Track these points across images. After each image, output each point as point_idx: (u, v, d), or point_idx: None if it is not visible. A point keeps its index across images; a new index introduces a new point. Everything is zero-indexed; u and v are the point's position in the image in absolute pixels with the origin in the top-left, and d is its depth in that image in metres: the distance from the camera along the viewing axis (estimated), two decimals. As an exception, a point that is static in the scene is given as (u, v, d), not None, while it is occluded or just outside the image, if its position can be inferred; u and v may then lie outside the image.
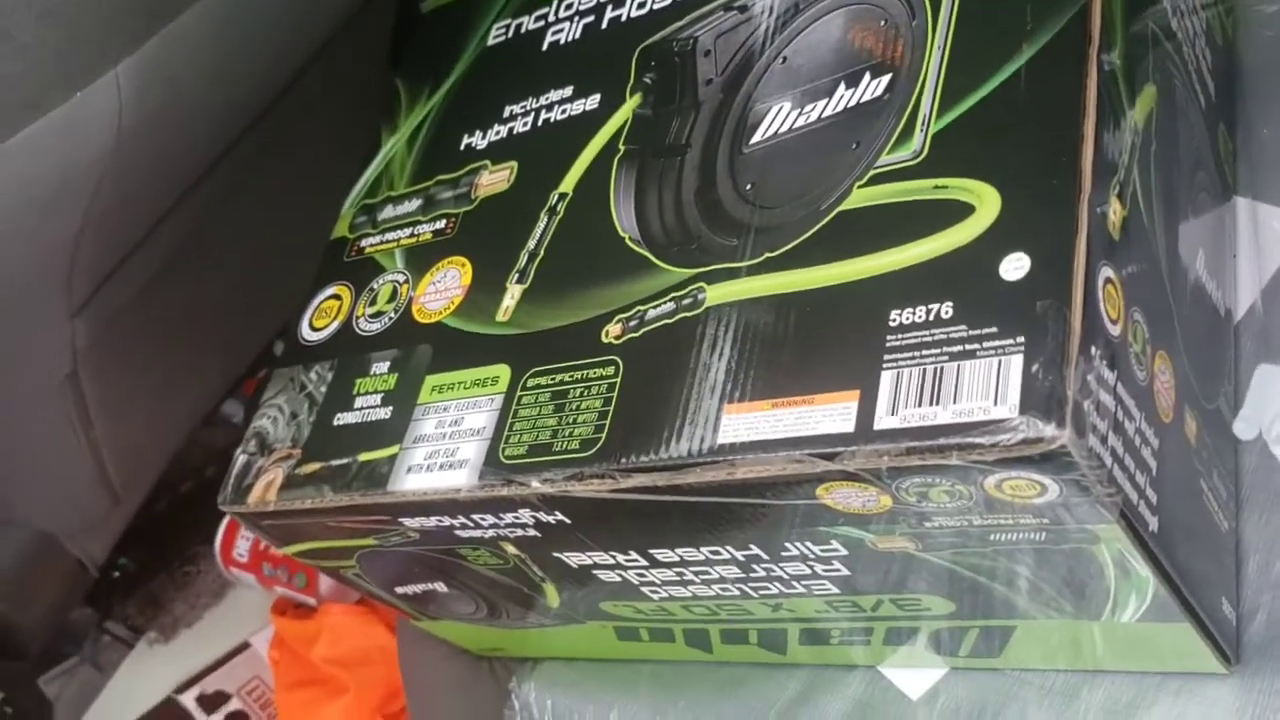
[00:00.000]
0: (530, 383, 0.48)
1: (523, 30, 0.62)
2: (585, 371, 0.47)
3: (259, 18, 0.55)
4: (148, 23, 0.49)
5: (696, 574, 0.48)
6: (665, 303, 0.47)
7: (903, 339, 0.39)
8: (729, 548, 0.45)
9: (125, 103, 0.50)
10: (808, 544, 0.44)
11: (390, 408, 0.52)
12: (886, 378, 0.39)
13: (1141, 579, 0.40)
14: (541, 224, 0.53)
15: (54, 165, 0.51)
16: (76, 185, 0.53)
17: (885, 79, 0.46)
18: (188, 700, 0.97)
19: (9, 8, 0.44)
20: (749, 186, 0.48)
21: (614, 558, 0.48)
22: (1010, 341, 0.37)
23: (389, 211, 0.61)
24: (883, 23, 0.47)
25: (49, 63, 0.47)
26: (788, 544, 0.44)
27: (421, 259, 0.57)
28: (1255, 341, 0.52)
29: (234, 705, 0.97)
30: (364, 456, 0.51)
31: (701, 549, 0.46)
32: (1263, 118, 0.58)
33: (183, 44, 0.51)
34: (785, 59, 0.49)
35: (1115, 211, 0.40)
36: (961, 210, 0.41)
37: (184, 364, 0.79)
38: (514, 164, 0.57)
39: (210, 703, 0.97)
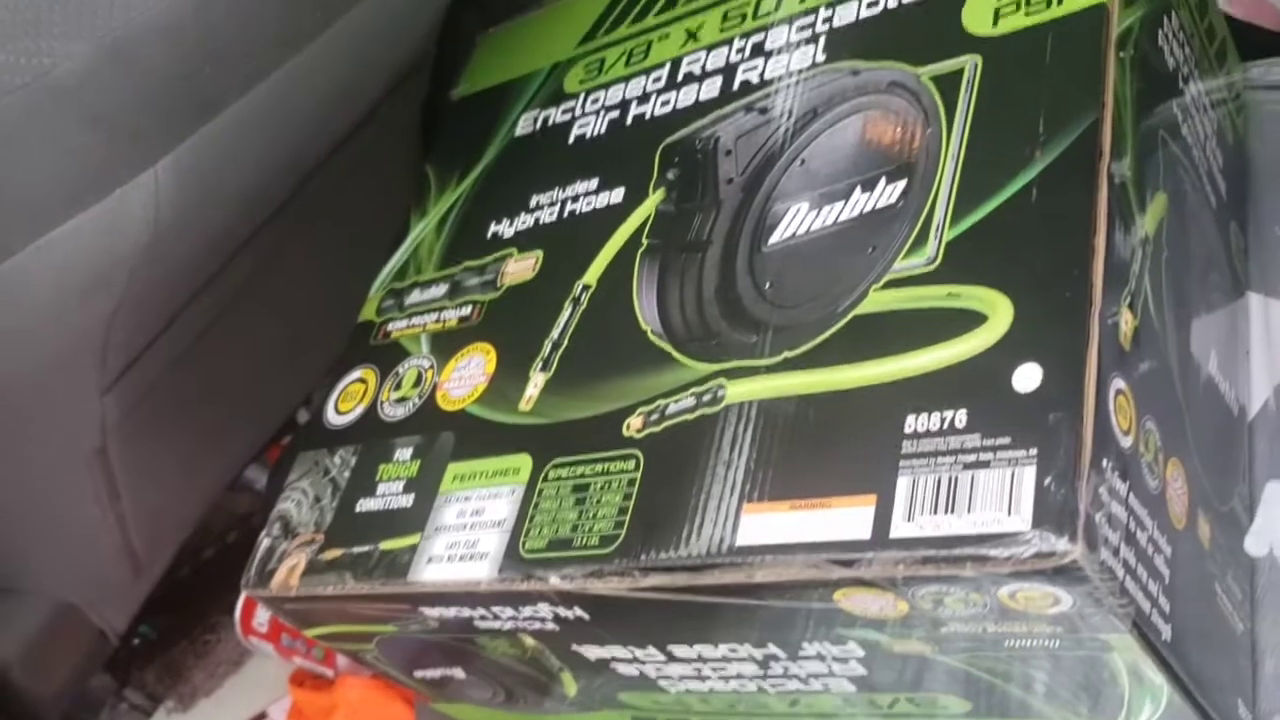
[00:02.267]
0: (551, 474, 0.49)
1: (550, 122, 0.64)
2: (606, 465, 0.48)
3: (293, 113, 0.57)
4: (187, 122, 0.50)
5: (714, 670, 0.48)
6: (686, 398, 0.48)
7: (918, 445, 0.40)
8: (747, 646, 0.46)
9: (162, 197, 0.51)
10: (825, 644, 0.44)
11: (412, 495, 0.53)
12: (903, 483, 0.39)
13: (1156, 686, 0.41)
14: (565, 314, 0.54)
15: (92, 256, 0.52)
16: (112, 274, 0.54)
17: (900, 185, 0.47)
18: (204, 769, 0.97)
19: (56, 111, 0.46)
20: (768, 285, 0.49)
21: (632, 652, 0.49)
22: (1023, 453, 0.38)
23: (416, 296, 0.62)
24: (898, 130, 0.48)
25: (91, 162, 0.48)
26: (805, 644, 0.45)
27: (447, 345, 0.58)
28: (1270, 441, 0.52)
29: (250, 775, 0.97)
30: (385, 545, 0.52)
31: (719, 646, 0.47)
32: (1274, 215, 0.59)
33: (219, 141, 0.52)
34: (804, 161, 0.51)
35: (1126, 322, 0.41)
36: (974, 319, 0.41)
37: (211, 435, 0.80)
38: (539, 253, 0.58)
39: (226, 772, 0.97)
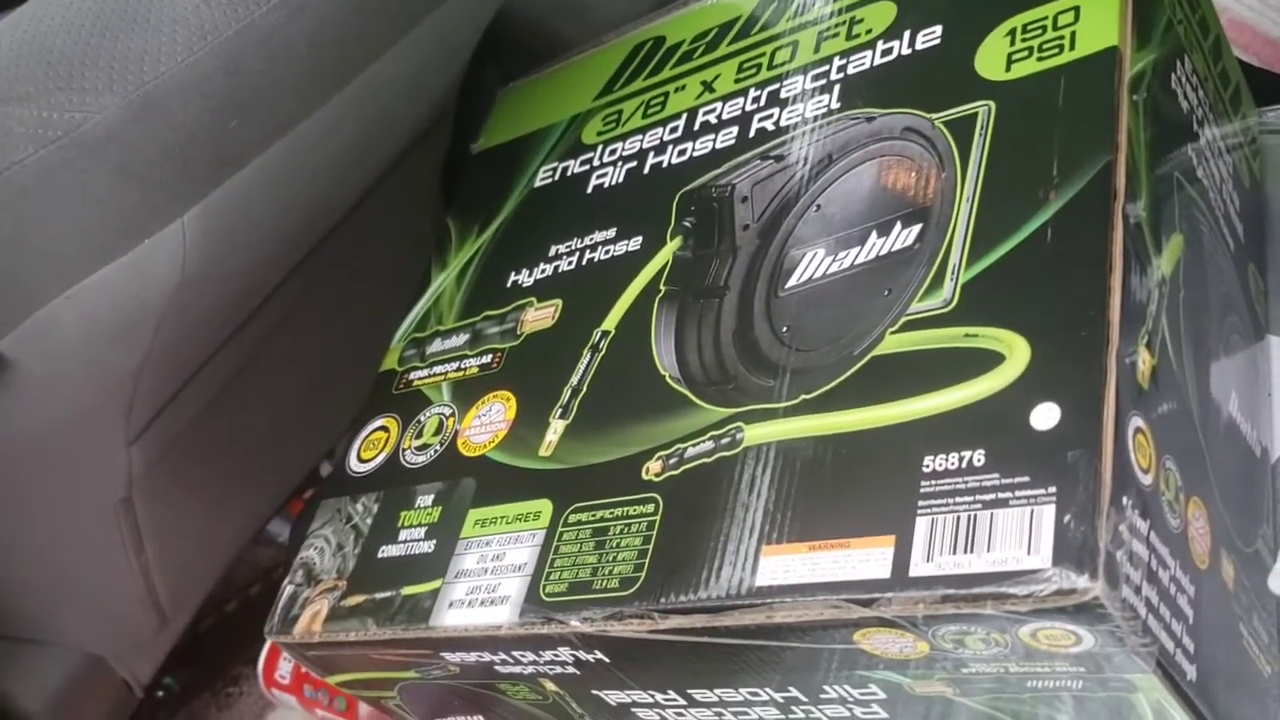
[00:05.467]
0: (571, 518, 0.49)
1: (569, 173, 0.65)
2: (626, 509, 0.48)
3: (317, 166, 0.58)
4: (214, 174, 0.51)
5: (735, 714, 0.48)
6: (704, 441, 0.48)
7: (936, 485, 0.40)
8: (768, 689, 0.46)
9: (189, 248, 0.52)
10: (846, 687, 0.44)
11: (433, 541, 0.53)
12: (921, 524, 0.39)
13: (1182, 728, 0.40)
14: (584, 360, 0.55)
15: (120, 306, 0.53)
16: (140, 324, 0.55)
17: (916, 228, 0.47)
18: (225, 824, 0.97)
19: (87, 163, 0.47)
20: (785, 329, 0.49)
21: (653, 696, 0.49)
22: (1042, 491, 0.38)
23: (437, 345, 0.63)
24: (913, 175, 0.49)
25: (121, 213, 0.50)
26: (826, 686, 0.44)
27: (468, 392, 0.59)
28: (1293, 482, 0.52)
29: (271, 829, 0.96)
30: (407, 590, 0.52)
31: (740, 690, 0.46)
32: (1293, 258, 0.59)
33: (245, 192, 0.53)
34: (819, 207, 0.51)
35: (1144, 361, 0.41)
36: (992, 359, 0.42)
37: (235, 487, 0.81)
38: (559, 301, 0.59)
39: (247, 827, 0.97)
